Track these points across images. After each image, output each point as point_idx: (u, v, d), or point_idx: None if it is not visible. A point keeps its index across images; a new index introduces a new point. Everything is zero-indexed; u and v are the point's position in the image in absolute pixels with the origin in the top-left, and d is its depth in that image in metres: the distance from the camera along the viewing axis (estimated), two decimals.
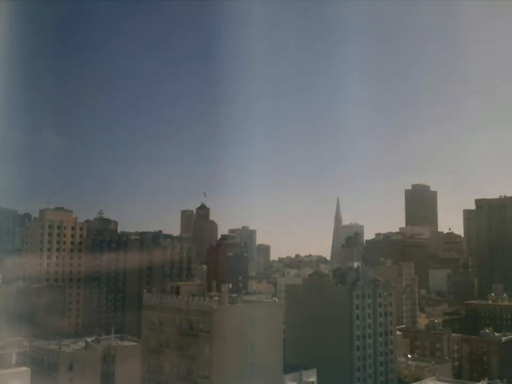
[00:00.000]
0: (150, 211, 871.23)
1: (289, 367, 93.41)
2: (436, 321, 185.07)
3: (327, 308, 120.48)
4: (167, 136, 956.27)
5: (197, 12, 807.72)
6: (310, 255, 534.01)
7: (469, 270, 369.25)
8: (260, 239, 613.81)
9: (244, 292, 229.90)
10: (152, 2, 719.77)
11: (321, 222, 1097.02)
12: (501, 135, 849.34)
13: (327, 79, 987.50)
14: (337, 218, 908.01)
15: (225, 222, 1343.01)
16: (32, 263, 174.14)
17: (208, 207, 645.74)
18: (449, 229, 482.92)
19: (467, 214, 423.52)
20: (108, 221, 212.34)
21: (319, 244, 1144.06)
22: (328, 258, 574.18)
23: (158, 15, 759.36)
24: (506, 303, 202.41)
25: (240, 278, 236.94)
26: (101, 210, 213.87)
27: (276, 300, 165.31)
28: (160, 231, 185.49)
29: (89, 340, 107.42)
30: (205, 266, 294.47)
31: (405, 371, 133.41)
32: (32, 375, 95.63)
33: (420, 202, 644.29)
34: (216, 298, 77.64)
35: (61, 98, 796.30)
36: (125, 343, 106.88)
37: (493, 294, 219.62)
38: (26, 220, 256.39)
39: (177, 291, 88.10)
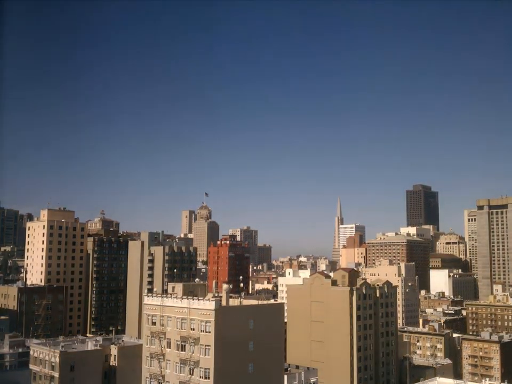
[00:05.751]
0: (152, 211, 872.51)
1: (291, 367, 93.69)
2: (437, 321, 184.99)
3: (328, 309, 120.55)
4: (169, 137, 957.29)
5: None
6: (312, 256, 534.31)
7: (470, 271, 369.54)
8: (262, 240, 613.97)
9: (245, 292, 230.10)
10: None
11: (323, 222, 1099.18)
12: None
13: (332, 81, 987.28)
14: (339, 219, 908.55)
15: (227, 222, 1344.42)
16: (33, 263, 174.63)
17: (209, 207, 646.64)
18: (451, 229, 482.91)
19: (468, 214, 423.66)
20: (109, 221, 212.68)
21: (320, 244, 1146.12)
22: (330, 258, 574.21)
23: None
24: (507, 303, 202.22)
25: (241, 278, 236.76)
26: (102, 210, 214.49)
27: (277, 300, 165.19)
28: (162, 231, 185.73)
29: (90, 340, 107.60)
30: (206, 267, 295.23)
31: (406, 371, 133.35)
32: (33, 375, 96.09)
33: (421, 203, 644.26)
34: (218, 298, 77.61)
35: (60, 97, 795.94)
36: (126, 343, 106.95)
37: (494, 295, 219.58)
38: (28, 220, 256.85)
39: (178, 291, 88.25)
